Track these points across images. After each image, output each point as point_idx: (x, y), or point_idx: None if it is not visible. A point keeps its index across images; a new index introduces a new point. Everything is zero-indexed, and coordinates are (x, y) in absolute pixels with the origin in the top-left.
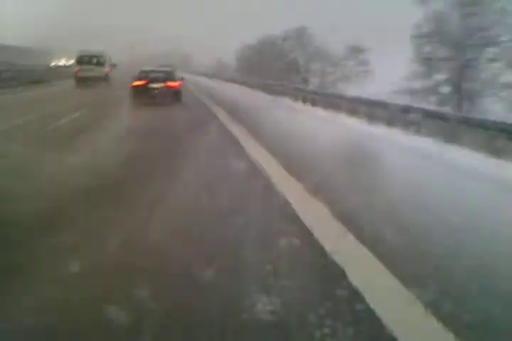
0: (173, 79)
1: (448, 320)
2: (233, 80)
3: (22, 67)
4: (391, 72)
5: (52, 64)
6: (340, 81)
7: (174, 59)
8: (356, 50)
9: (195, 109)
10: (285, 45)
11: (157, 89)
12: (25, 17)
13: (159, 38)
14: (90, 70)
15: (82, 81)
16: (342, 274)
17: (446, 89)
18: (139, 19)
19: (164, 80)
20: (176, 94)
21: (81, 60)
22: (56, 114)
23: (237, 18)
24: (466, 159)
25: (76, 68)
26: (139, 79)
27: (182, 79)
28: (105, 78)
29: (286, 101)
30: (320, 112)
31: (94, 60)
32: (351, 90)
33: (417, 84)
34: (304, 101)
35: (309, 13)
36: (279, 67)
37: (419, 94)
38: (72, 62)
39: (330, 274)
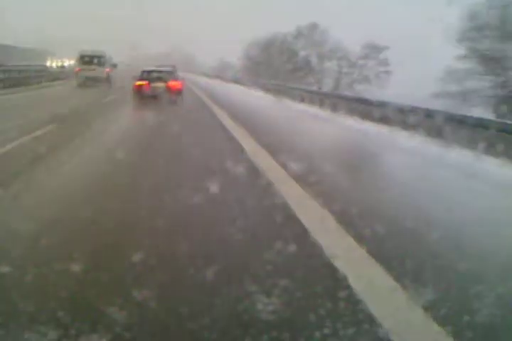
0: (175, 79)
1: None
2: (238, 81)
3: (11, 68)
4: (414, 73)
5: (47, 64)
6: (358, 82)
7: (176, 59)
8: (375, 49)
9: (200, 120)
10: (296, 43)
11: (159, 88)
12: (25, 16)
13: (161, 37)
14: (91, 70)
15: (84, 80)
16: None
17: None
18: (141, 19)
19: (166, 80)
20: (177, 94)
21: (82, 60)
22: (8, 132)
23: (241, 17)
24: None
25: (77, 68)
26: (141, 79)
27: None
28: (106, 78)
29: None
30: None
31: (96, 60)
32: (371, 92)
33: (456, 87)
34: (335, 110)
35: (321, 9)
36: (289, 67)
37: (461, 98)
38: (69, 63)
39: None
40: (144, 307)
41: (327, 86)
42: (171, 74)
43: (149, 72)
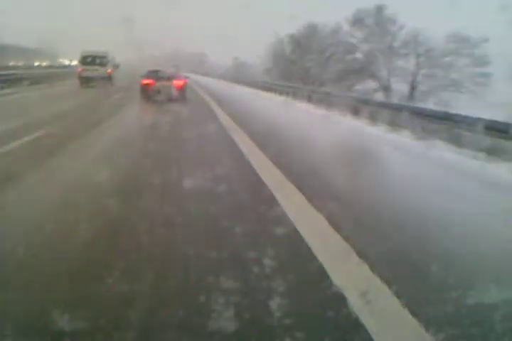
0: (179, 78)
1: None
2: (267, 87)
3: None
4: None
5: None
6: (442, 89)
7: (185, 58)
8: (468, 42)
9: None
10: (352, 34)
11: (164, 86)
12: (25, 16)
13: (168, 36)
14: (94, 70)
15: (86, 81)
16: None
17: None
18: (146, 18)
19: (170, 79)
20: (181, 93)
21: (84, 60)
22: None
23: (258, 12)
24: None
25: (79, 68)
26: (147, 78)
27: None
28: (108, 78)
29: None
30: None
31: (98, 60)
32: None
33: None
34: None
35: None
36: (339, 67)
37: None
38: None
39: None
40: None
41: (398, 94)
42: (175, 73)
43: (154, 71)
